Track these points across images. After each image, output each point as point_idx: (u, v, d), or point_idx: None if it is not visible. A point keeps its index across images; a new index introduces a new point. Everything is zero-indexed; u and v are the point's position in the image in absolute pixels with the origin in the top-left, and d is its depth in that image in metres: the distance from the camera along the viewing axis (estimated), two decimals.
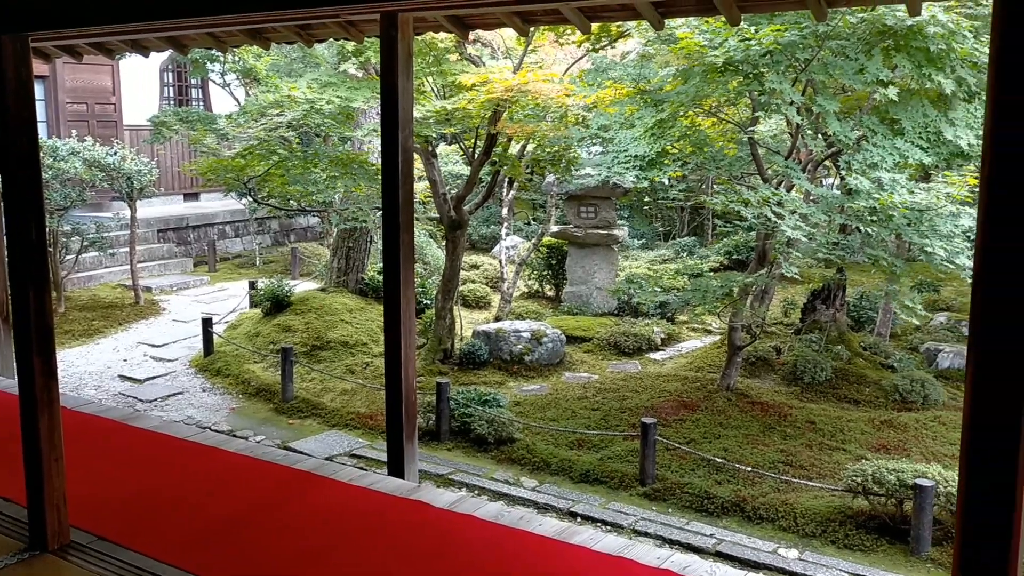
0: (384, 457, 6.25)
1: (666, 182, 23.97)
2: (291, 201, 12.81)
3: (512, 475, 8.53)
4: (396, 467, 5.98)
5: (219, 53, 14.73)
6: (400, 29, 5.65)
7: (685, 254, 18.16)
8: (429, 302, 13.14)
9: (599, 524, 7.47)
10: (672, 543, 7.11)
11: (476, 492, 8.10)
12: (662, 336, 13.55)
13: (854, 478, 7.18)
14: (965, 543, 2.48)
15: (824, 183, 14.74)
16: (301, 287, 14.56)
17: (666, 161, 9.21)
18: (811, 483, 7.88)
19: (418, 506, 5.41)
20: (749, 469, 8.13)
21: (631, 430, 9.02)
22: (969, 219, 7.97)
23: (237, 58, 15.61)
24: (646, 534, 7.27)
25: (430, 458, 8.85)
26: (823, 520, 7.32)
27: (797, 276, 8.62)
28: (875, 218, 7.85)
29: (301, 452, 8.43)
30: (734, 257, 17.48)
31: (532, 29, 9.94)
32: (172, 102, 21.07)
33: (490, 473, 8.56)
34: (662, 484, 8.09)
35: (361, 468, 7.51)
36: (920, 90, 8.00)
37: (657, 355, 12.92)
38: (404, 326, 5.86)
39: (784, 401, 10.44)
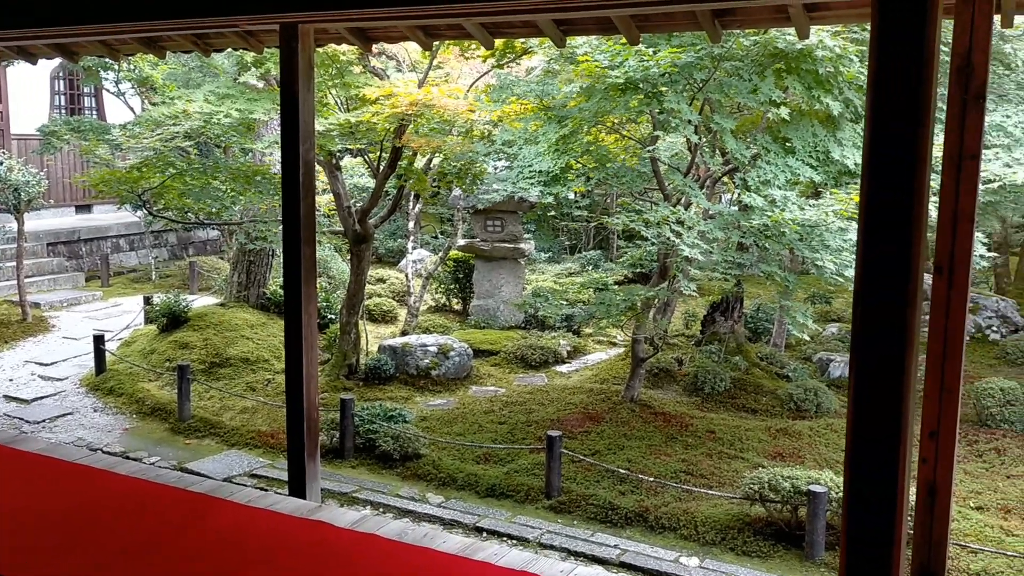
0: (285, 476, 6.11)
1: (572, 196, 24.29)
2: (189, 214, 12.43)
3: (418, 491, 8.46)
4: (297, 487, 5.86)
5: (113, 62, 14.24)
6: (300, 40, 5.57)
7: (591, 267, 18.40)
8: (334, 317, 12.95)
9: (505, 539, 7.47)
10: (577, 555, 7.17)
11: (381, 510, 7.99)
12: (568, 349, 13.69)
13: (751, 486, 7.38)
14: (851, 548, 2.57)
15: (724, 199, 15.17)
16: (200, 302, 14.14)
17: (570, 176, 9.32)
18: (711, 492, 8.07)
19: (319, 526, 5.30)
20: (652, 479, 8.27)
21: (537, 443, 9.06)
22: (856, 234, 8.29)
23: (132, 67, 15.11)
24: (552, 547, 7.30)
25: (334, 476, 8.70)
26: (723, 528, 7.49)
27: (695, 292, 8.83)
28: (769, 234, 8.13)
29: (198, 473, 8.17)
30: (638, 270, 17.77)
31: (437, 43, 9.95)
32: (63, 111, 20.25)
33: (395, 490, 8.47)
34: (568, 496, 8.14)
35: (261, 488, 7.33)
36: (810, 111, 8.33)
37: (563, 368, 13.04)
38: (306, 342, 5.76)
39: (686, 411, 10.67)
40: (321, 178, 12.65)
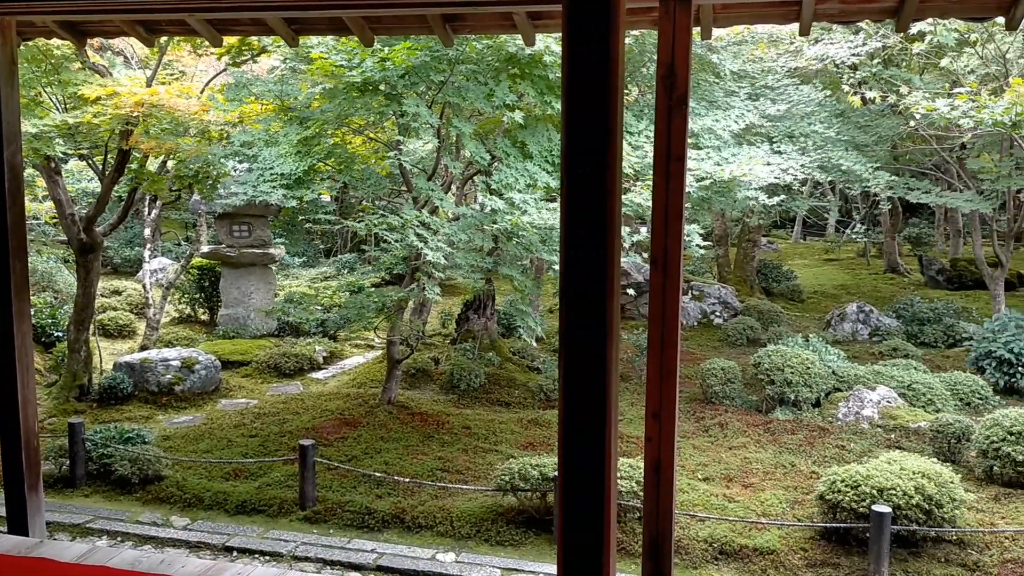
0: (3, 512, 5.52)
1: (327, 200, 23.88)
2: None
3: (161, 515, 7.95)
4: (17, 522, 5.30)
5: None
6: (1, 33, 5.05)
7: (346, 271, 18.19)
8: (62, 334, 11.88)
9: (257, 555, 7.21)
10: (333, 564, 7.06)
11: (118, 539, 7.44)
12: (324, 355, 13.46)
13: (503, 477, 7.62)
14: (567, 527, 2.71)
15: (479, 203, 15.54)
16: None
17: (314, 179, 9.13)
18: (466, 486, 8.24)
19: (41, 563, 4.82)
20: (408, 480, 8.31)
21: (291, 454, 8.82)
22: None
23: None
24: (306, 559, 7.14)
25: (64, 507, 7.98)
26: (478, 521, 7.67)
27: (438, 296, 8.96)
28: (511, 236, 8.41)
29: None
30: (395, 272, 17.83)
31: (164, 39, 9.39)
32: None
33: (135, 516, 7.91)
34: (323, 506, 8.00)
35: None
36: (543, 116, 8.71)
37: (319, 374, 12.80)
38: (20, 363, 5.21)
39: (442, 410, 10.83)
40: (40, 184, 11.56)
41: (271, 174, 8.89)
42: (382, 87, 7.85)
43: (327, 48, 7.96)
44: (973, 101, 10.02)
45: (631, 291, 13.16)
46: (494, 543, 7.44)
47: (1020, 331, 12.29)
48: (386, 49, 7.59)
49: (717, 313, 16.95)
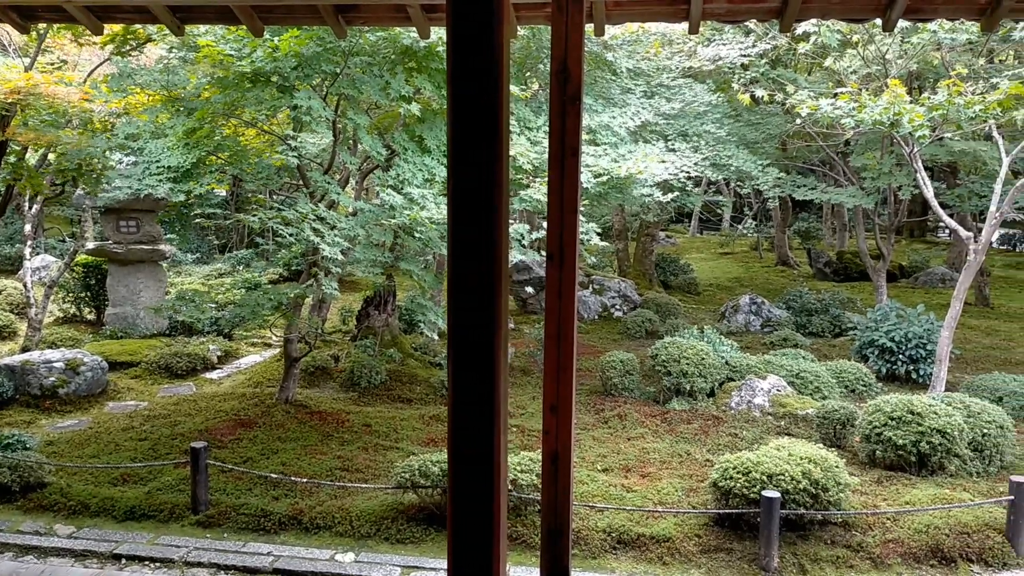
0: None
1: (222, 194, 23.22)
2: None
3: (44, 524, 7.58)
4: None
5: None
6: None
7: (242, 267, 17.73)
8: None
9: (147, 562, 6.95)
10: (227, 569, 6.87)
11: None
12: (219, 354, 13.09)
13: (403, 475, 7.55)
14: (456, 520, 2.69)
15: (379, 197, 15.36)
16: None
17: (203, 172, 8.84)
18: (366, 485, 8.14)
19: None
20: (306, 480, 8.15)
21: (183, 457, 8.54)
22: None
23: None
24: (199, 564, 6.92)
25: None
26: (378, 519, 7.59)
27: (336, 292, 8.82)
28: (409, 231, 8.34)
29: None
30: (294, 268, 17.47)
31: (45, 26, 8.95)
32: None
33: (16, 526, 7.52)
34: (217, 509, 7.77)
35: None
36: (441, 109, 8.66)
37: (214, 374, 12.44)
38: None
39: (342, 408, 10.68)
40: None
41: (158, 167, 8.56)
42: (274, 78, 7.65)
43: (215, 37, 7.71)
44: (855, 101, 10.46)
45: (530, 288, 13.24)
46: (394, 541, 7.37)
47: (900, 320, 12.91)
48: (277, 39, 7.40)
49: (617, 306, 17.24)
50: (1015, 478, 7.34)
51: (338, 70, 7.73)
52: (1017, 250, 31.58)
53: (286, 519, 7.61)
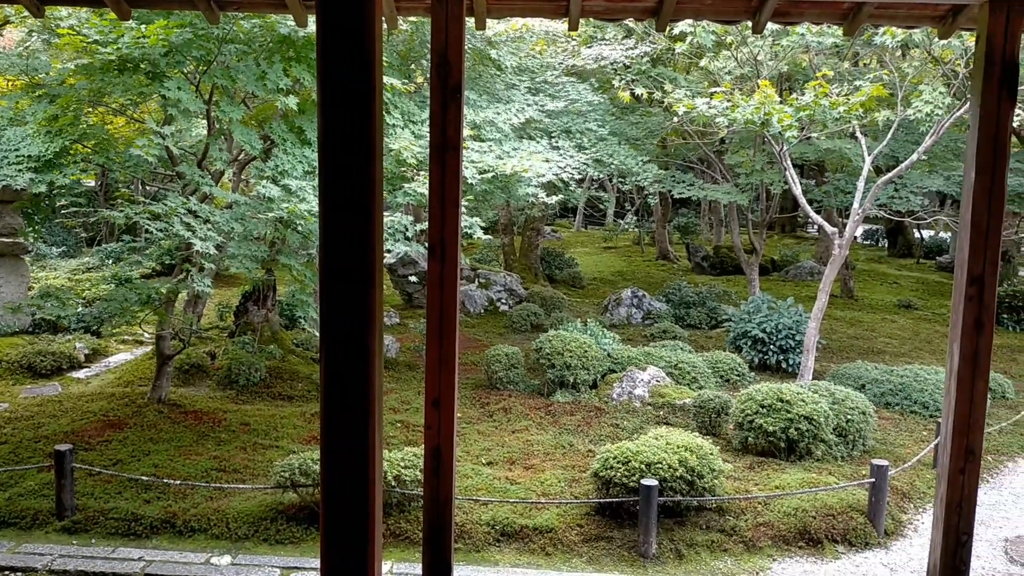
0: None
1: (90, 184, 22.10)
2: None
3: None
4: None
5: None
6: None
7: (111, 261, 16.95)
8: None
9: (7, 572, 6.56)
10: None
11: None
12: (87, 352, 12.49)
13: (282, 474, 7.38)
14: (329, 517, 2.65)
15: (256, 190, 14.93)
16: None
17: (67, 162, 8.38)
18: (244, 486, 7.92)
19: None
20: (180, 482, 7.86)
21: (47, 460, 8.10)
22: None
23: None
24: (65, 572, 6.59)
25: None
26: (256, 520, 7.39)
27: (209, 289, 8.54)
28: (290, 225, 8.14)
29: None
30: (168, 263, 16.81)
31: None
32: None
33: None
34: (84, 514, 7.40)
35: None
36: None
37: (81, 373, 11.86)
38: None
39: (219, 406, 10.35)
40: None
41: (17, 156, 8.07)
42: (143, 65, 7.31)
43: (80, 20, 7.31)
44: (728, 101, 10.83)
45: (414, 278, 13.17)
46: (273, 542, 7.20)
47: (771, 312, 13.47)
48: (144, 27, 7.06)
49: (503, 300, 17.34)
50: (876, 461, 7.77)
51: (211, 58, 7.45)
52: (879, 245, 33.48)
53: (158, 523, 7.32)
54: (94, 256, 17.34)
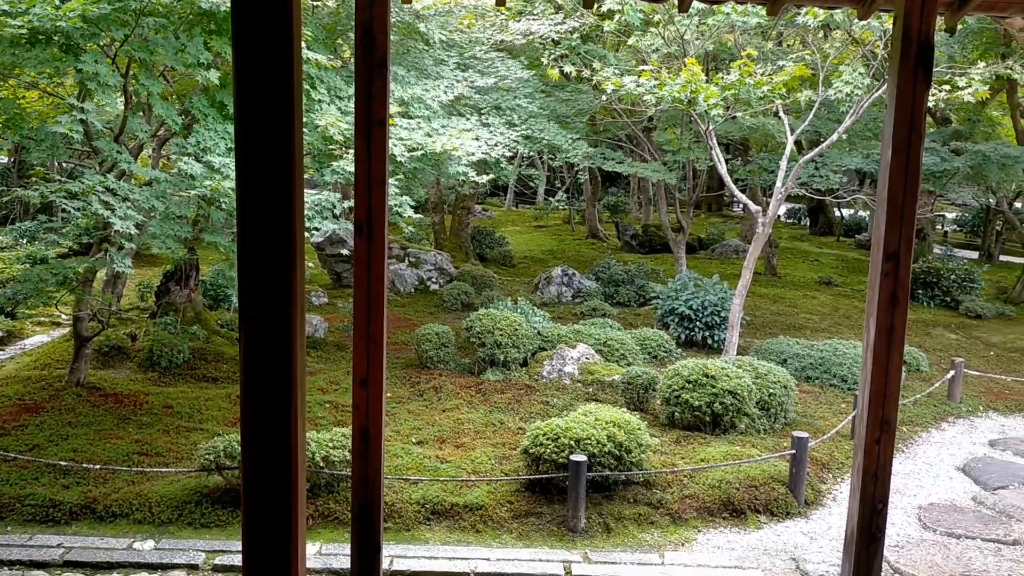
0: None
1: (3, 160, 21.22)
2: None
3: None
4: None
5: None
6: None
7: (26, 240, 16.33)
8: None
9: None
10: (12, 564, 6.36)
11: None
12: (1, 334, 12.05)
13: (207, 456, 7.24)
14: (249, 498, 2.60)
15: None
16: None
17: None
18: (167, 469, 7.75)
19: None
20: (100, 467, 7.65)
21: None
22: None
23: None
24: None
25: None
26: (180, 504, 7.24)
27: (130, 268, 8.29)
28: (214, 202, 7.93)
29: None
30: (86, 241, 16.25)
31: None
32: None
33: None
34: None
35: None
36: None
37: None
38: None
39: (141, 389, 10.10)
40: None
41: None
42: (56, 38, 7.00)
43: None
44: (655, 79, 10.92)
45: (344, 252, 13.01)
46: (198, 526, 7.07)
47: (698, 289, 13.71)
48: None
49: (433, 279, 17.27)
50: (796, 433, 8.00)
51: (128, 31, 7.17)
52: (802, 223, 34.32)
53: (78, 508, 7.13)
54: (8, 235, 16.68)
